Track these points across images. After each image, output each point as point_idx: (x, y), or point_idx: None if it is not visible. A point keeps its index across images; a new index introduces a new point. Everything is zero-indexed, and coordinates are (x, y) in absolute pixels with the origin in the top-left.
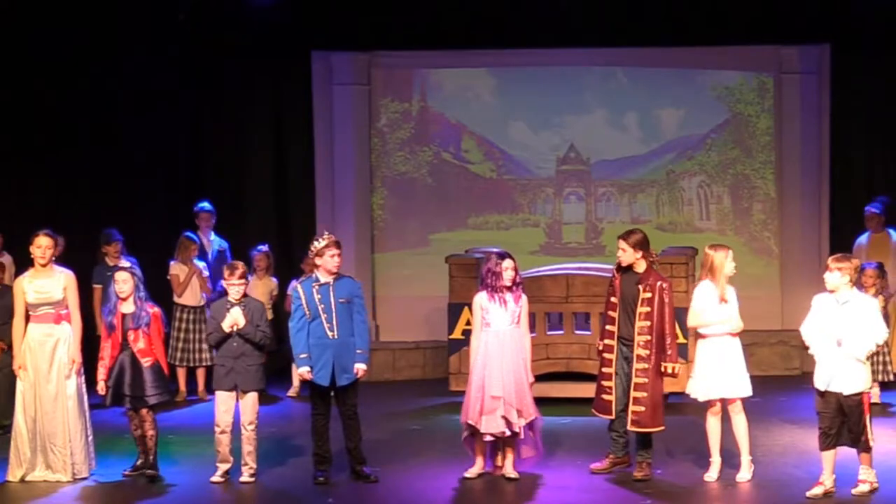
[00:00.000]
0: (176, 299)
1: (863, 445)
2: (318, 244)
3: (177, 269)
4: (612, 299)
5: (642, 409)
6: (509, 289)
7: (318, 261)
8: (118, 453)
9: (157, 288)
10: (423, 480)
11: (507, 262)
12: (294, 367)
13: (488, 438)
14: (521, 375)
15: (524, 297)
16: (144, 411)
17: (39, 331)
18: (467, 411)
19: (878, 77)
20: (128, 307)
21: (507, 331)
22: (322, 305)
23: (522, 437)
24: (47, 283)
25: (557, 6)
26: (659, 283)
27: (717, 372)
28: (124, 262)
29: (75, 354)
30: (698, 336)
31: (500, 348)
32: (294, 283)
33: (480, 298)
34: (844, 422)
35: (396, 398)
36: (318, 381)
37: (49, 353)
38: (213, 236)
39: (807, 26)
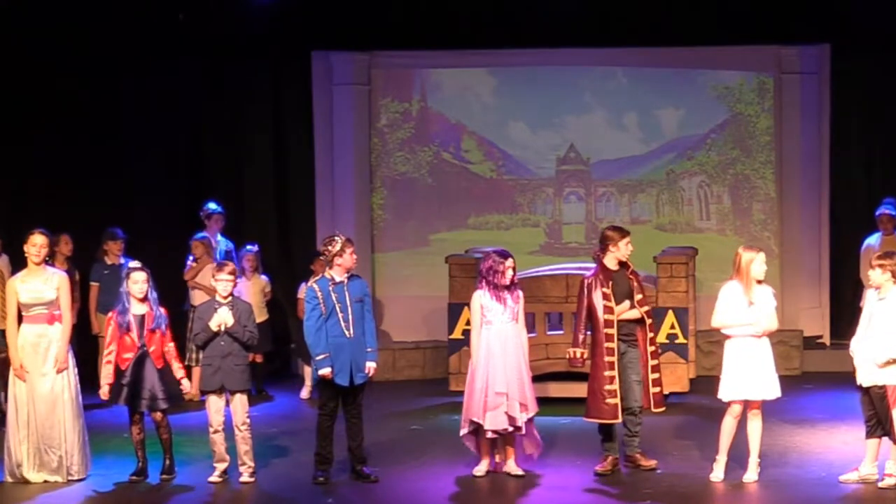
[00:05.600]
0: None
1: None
2: (337, 245)
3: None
4: (607, 301)
5: (658, 389)
6: (508, 287)
7: (338, 260)
8: (114, 454)
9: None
10: (423, 480)
11: (510, 262)
12: (307, 368)
13: (490, 435)
14: (523, 370)
15: (521, 294)
16: (159, 415)
17: (32, 332)
18: (470, 409)
19: (878, 77)
20: (142, 308)
21: (508, 328)
22: (339, 304)
23: (524, 432)
24: (39, 283)
25: (557, 6)
26: (634, 271)
27: (744, 373)
28: (135, 263)
29: (61, 356)
30: (725, 336)
31: (502, 345)
32: (305, 286)
33: (481, 297)
34: (877, 413)
35: (396, 398)
36: (339, 382)
37: (42, 353)
38: (219, 237)
39: (807, 26)
